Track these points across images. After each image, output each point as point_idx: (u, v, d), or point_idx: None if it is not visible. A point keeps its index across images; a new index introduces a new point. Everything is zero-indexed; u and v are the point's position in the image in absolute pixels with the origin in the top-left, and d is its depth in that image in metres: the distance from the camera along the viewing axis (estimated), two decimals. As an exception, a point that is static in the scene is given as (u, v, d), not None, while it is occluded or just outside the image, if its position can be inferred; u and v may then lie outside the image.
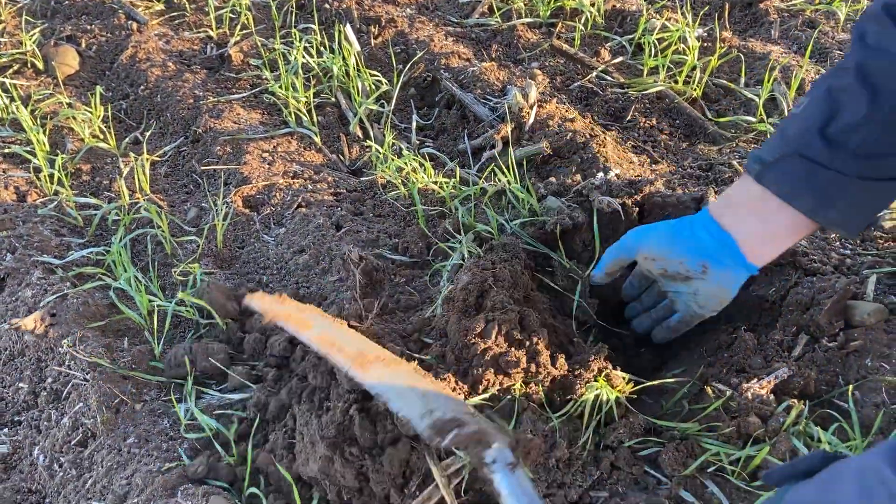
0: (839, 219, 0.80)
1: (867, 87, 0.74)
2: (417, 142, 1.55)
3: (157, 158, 1.64)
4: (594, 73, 1.62)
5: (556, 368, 0.90)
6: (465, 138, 1.53)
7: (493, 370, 0.86)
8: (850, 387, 0.85)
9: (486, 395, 0.87)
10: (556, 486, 0.81)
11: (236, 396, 1.03)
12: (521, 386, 0.88)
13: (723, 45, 1.64)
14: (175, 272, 1.26)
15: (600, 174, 1.28)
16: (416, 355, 0.95)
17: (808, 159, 0.78)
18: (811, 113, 0.79)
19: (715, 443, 0.84)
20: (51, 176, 1.50)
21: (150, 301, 1.18)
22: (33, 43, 1.90)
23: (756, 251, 0.87)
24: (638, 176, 1.30)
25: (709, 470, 0.83)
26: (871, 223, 0.98)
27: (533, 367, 0.88)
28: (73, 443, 1.03)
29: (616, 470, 0.84)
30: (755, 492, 0.80)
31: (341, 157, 1.56)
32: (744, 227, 0.86)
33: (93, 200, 1.47)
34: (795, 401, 0.85)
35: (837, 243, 1.12)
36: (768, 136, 1.38)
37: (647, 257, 0.97)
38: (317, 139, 1.59)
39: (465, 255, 1.14)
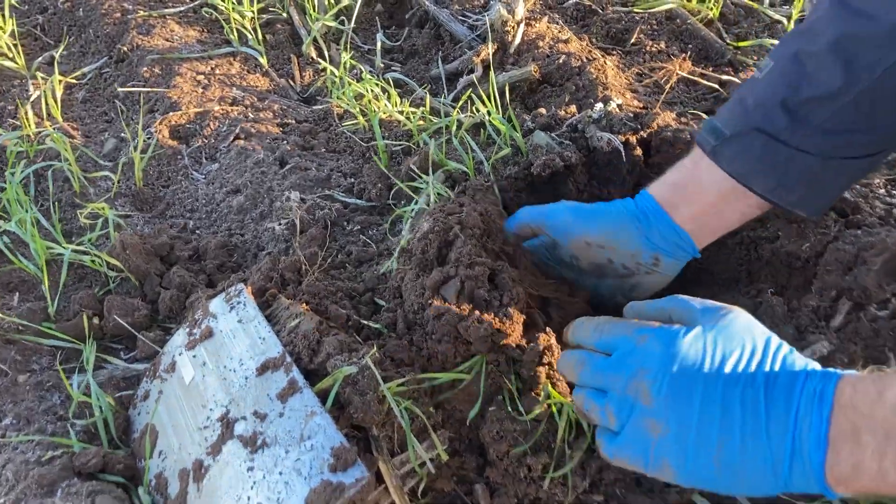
0: (799, 201, 0.75)
1: (841, 57, 0.67)
2: (382, 65, 1.34)
3: (74, 81, 1.41)
4: (593, -10, 1.41)
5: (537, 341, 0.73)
6: (440, 62, 1.32)
7: (450, 340, 0.69)
8: (905, 366, 0.70)
9: (441, 376, 0.70)
10: None
11: (143, 367, 0.85)
12: (485, 364, 0.71)
13: (744, -41, 1.43)
14: (81, 214, 1.06)
15: (598, 105, 1.09)
16: (366, 322, 0.77)
17: (767, 135, 0.72)
18: (774, 80, 0.72)
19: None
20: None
21: (48, 249, 0.99)
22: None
23: (706, 239, 0.81)
24: (643, 108, 1.11)
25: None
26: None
27: (504, 338, 0.70)
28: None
29: (612, 469, 0.69)
30: (786, 500, 0.65)
31: (291, 83, 1.35)
32: (698, 221, 0.79)
33: (-11, 128, 1.26)
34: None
35: (882, 190, 0.95)
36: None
37: (590, 243, 0.83)
38: (263, 60, 1.37)
39: (433, 199, 0.96)
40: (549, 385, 0.73)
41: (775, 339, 0.56)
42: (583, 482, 0.68)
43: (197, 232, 1.05)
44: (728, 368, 0.53)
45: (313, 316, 0.74)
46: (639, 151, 1.01)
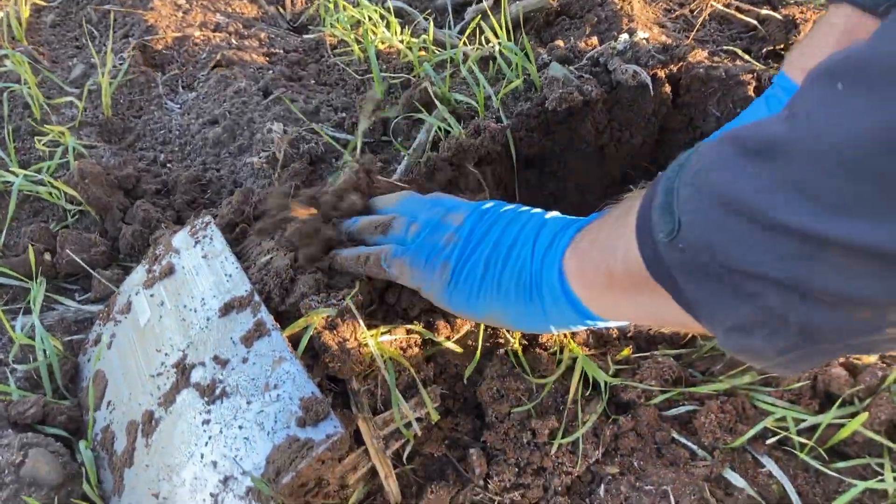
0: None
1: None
2: (383, -6, 1.23)
3: (43, 3, 1.29)
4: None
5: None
6: (446, -8, 1.21)
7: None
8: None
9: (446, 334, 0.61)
10: (531, 474, 0.56)
11: (97, 308, 0.76)
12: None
13: None
14: (39, 142, 0.96)
15: (624, 36, 0.97)
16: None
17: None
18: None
19: (777, 403, 0.59)
20: None
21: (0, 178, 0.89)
22: None
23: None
24: (674, 43, 1.00)
25: (767, 441, 0.58)
26: None
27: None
28: None
29: (629, 437, 0.59)
30: (834, 475, 0.56)
31: (281, 10, 1.23)
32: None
33: (-56, 48, 1.14)
34: (896, 347, 0.60)
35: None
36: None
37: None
38: (251, -15, 1.25)
39: (434, 135, 0.85)
40: (564, 337, 0.64)
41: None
42: (595, 451, 0.59)
43: (168, 165, 0.95)
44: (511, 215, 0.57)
45: (287, 252, 0.64)
46: (668, 88, 0.91)
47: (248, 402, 0.54)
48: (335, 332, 0.57)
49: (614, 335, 0.68)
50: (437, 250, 0.57)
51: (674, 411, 0.61)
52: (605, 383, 0.62)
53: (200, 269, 0.67)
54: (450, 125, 0.83)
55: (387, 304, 0.61)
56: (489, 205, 0.59)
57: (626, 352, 0.65)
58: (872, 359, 0.61)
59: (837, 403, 0.57)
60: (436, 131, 0.86)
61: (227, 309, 0.61)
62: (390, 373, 0.57)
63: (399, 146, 0.88)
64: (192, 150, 0.96)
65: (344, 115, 0.98)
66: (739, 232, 0.33)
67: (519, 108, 0.90)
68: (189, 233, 0.72)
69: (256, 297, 0.61)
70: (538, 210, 0.58)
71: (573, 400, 0.61)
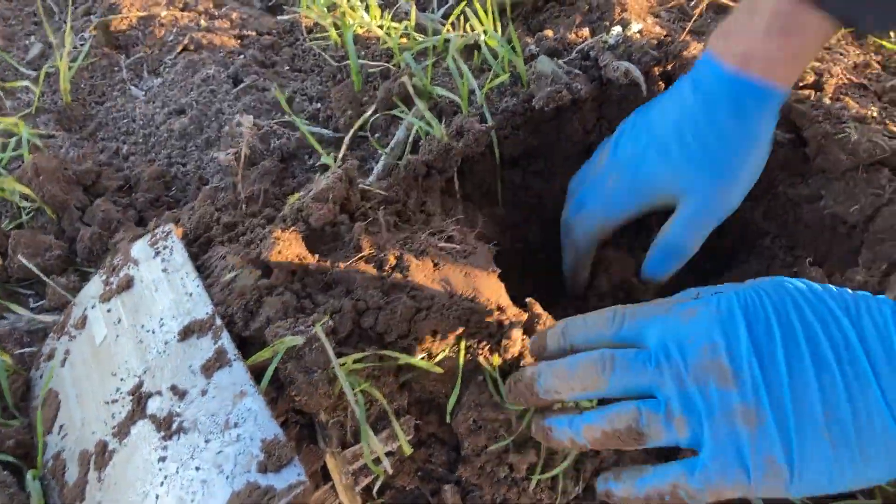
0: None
1: None
2: (363, -28, 1.16)
3: (-2, -27, 1.21)
4: None
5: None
6: (430, -28, 1.14)
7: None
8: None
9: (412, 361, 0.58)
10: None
11: (51, 319, 0.72)
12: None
13: None
14: (-8, 131, 0.90)
15: (616, 29, 0.93)
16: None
17: None
18: None
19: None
20: None
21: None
22: None
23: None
24: (667, 36, 0.95)
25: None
26: None
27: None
28: None
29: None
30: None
31: (255, -13, 1.17)
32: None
33: None
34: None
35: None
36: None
37: None
38: (222, -41, 1.18)
39: (415, 133, 0.81)
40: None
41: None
42: (575, 486, 0.56)
43: (131, 158, 0.90)
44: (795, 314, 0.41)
45: (253, 269, 0.61)
46: (662, 86, 0.87)
47: (207, 441, 0.51)
48: (303, 361, 0.54)
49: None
50: (746, 453, 0.40)
51: (658, 444, 0.59)
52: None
53: (160, 284, 0.63)
54: (430, 124, 0.79)
55: (361, 328, 0.58)
56: (743, 325, 0.41)
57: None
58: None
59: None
60: (417, 129, 0.82)
61: (186, 333, 0.57)
62: (360, 407, 0.54)
63: (376, 143, 0.84)
64: (156, 143, 0.91)
65: (319, 105, 0.93)
66: None
67: (504, 104, 0.86)
68: (149, 242, 0.67)
69: (218, 321, 0.57)
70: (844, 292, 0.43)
71: (554, 431, 0.58)
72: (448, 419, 0.59)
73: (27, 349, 0.70)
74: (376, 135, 0.87)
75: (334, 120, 0.89)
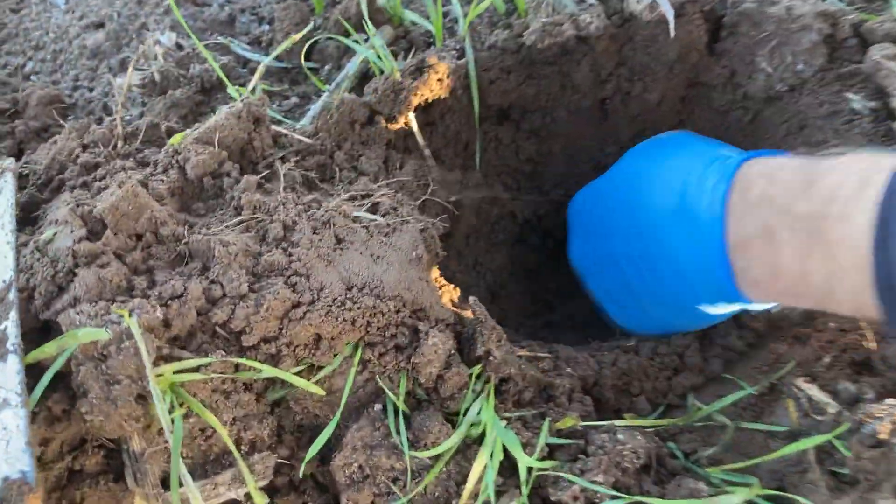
0: None
1: None
2: None
3: None
4: None
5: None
6: None
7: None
8: None
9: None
10: None
11: None
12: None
13: None
14: None
15: (651, -51, 0.72)
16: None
17: None
18: None
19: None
20: None
21: None
22: None
23: None
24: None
25: None
26: None
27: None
28: None
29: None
30: None
31: None
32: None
33: None
34: None
35: None
36: None
37: None
38: None
39: (373, 65, 0.63)
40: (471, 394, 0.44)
41: None
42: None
43: (33, 77, 0.75)
44: None
45: (83, 225, 0.45)
46: (702, 27, 0.66)
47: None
48: (102, 366, 0.38)
49: (558, 392, 0.47)
50: None
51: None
52: (529, 470, 0.42)
53: (-26, 234, 0.48)
54: (381, 56, 0.61)
55: (210, 322, 0.41)
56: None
57: (569, 421, 0.45)
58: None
59: None
60: (371, 63, 0.64)
61: (-26, 305, 0.42)
62: (176, 434, 0.37)
63: (318, 81, 0.66)
64: (65, 61, 0.75)
65: (267, 27, 0.76)
66: None
67: (494, 38, 0.67)
68: (-17, 179, 0.52)
69: (12, 294, 0.41)
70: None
71: (471, 493, 0.41)
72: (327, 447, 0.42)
73: None
74: (326, 67, 0.70)
75: (276, 45, 0.72)
